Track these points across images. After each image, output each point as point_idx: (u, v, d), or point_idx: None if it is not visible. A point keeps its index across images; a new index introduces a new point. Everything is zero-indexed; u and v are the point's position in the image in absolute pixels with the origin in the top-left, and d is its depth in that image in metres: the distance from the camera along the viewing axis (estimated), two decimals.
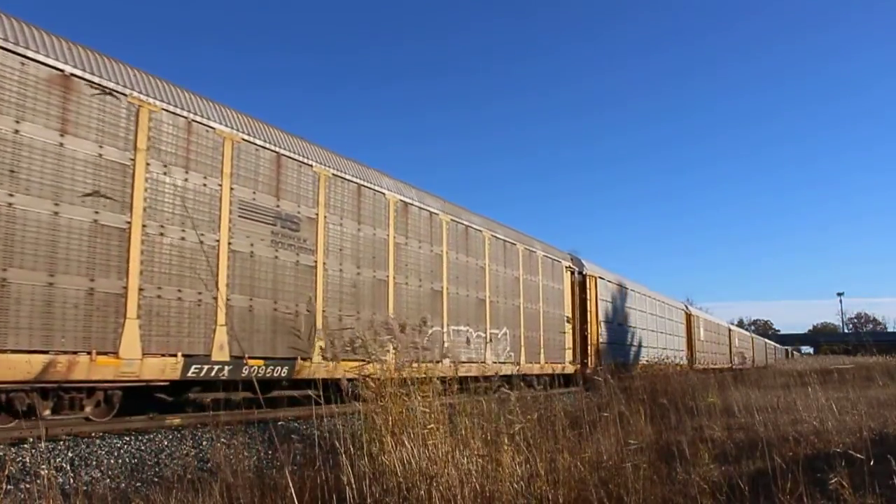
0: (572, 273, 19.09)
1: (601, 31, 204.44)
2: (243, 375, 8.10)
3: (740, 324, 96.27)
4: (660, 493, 4.24)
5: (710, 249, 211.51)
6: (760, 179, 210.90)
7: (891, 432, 6.70)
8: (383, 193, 11.20)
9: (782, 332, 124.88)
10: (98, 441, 6.22)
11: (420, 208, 12.17)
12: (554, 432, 4.82)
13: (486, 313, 14.05)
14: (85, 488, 4.78)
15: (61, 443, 6.01)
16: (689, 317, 33.29)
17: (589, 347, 19.07)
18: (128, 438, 6.45)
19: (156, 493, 4.33)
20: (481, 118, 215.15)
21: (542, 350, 16.46)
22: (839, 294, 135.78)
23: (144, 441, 6.46)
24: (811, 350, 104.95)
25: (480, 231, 14.24)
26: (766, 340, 72.86)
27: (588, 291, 19.60)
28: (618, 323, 22.02)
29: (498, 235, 15.06)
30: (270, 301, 8.73)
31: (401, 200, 11.62)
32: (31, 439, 5.99)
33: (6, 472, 4.77)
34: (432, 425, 4.04)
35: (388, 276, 10.99)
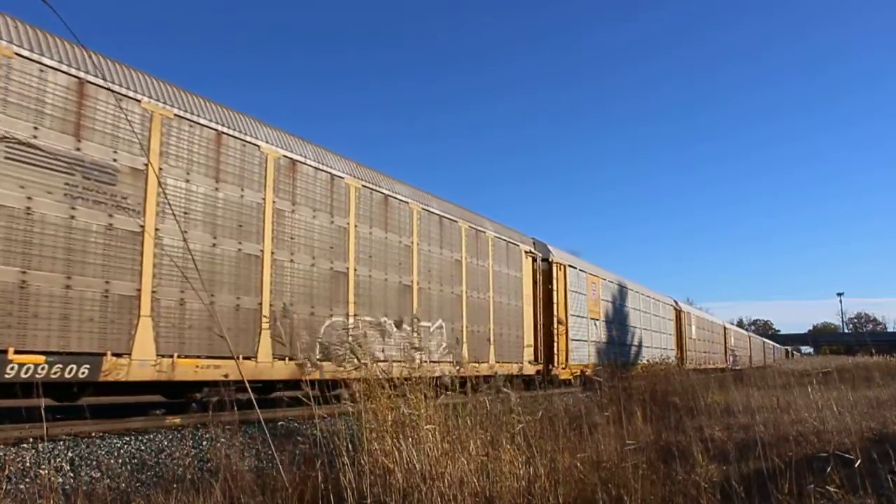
0: (534, 259, 16.72)
1: (601, 32, 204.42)
2: (7, 377, 6.07)
3: (740, 324, 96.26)
4: (660, 493, 4.24)
5: (711, 250, 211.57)
6: (761, 180, 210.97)
7: (890, 432, 6.69)
8: (257, 146, 9.05)
9: (782, 332, 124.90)
10: (98, 441, 6.22)
11: (316, 169, 9.92)
12: (554, 432, 4.82)
13: (413, 302, 11.72)
14: (85, 488, 4.78)
15: (61, 443, 6.00)
16: (678, 313, 31.68)
17: (555, 345, 16.87)
18: (128, 438, 6.45)
19: (156, 493, 4.33)
20: (482, 119, 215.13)
21: (491, 347, 14.11)
22: (839, 294, 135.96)
23: (144, 441, 6.46)
24: (811, 350, 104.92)
25: (406, 203, 11.87)
26: (765, 340, 71.95)
27: (555, 282, 17.23)
28: (593, 318, 20.11)
29: (432, 209, 12.59)
30: (61, 276, 6.60)
31: (285, 157, 9.44)
32: (31, 439, 5.99)
33: (6, 472, 4.76)
34: (429, 426, 4.04)
35: (262, 251, 8.87)
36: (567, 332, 17.68)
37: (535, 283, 16.59)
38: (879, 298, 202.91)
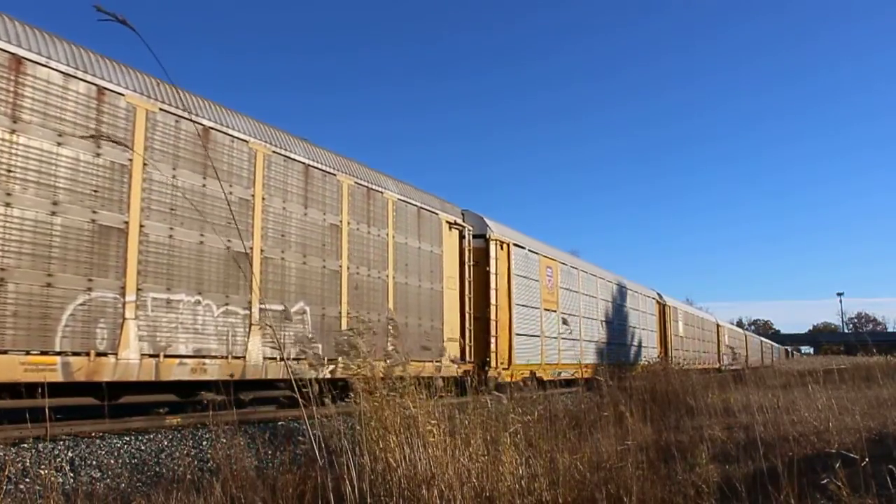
0: (463, 234, 13.53)
1: (602, 33, 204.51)
2: None
3: (739, 324, 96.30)
4: (660, 493, 4.24)
5: (711, 250, 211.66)
6: (761, 180, 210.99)
7: (890, 432, 6.69)
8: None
9: (782, 332, 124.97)
10: (98, 441, 6.22)
11: (80, 80, 6.95)
12: (554, 432, 4.83)
13: (255, 276, 8.70)
14: (85, 488, 4.78)
15: (61, 443, 6.01)
16: (662, 307, 28.62)
17: (494, 342, 13.74)
18: (128, 438, 6.45)
19: (156, 493, 4.33)
20: (482, 119, 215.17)
21: (388, 341, 10.21)
22: (839, 294, 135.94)
23: (144, 441, 6.46)
24: (811, 350, 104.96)
25: (246, 142, 8.76)
26: (763, 339, 69.73)
27: (494, 263, 14.09)
28: (548, 310, 16.93)
29: (293, 156, 9.48)
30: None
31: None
32: (31, 439, 6.00)
33: (6, 472, 4.77)
34: (433, 423, 4.04)
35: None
36: (511, 326, 14.57)
37: (463, 263, 13.32)
38: (879, 298, 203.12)
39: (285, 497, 3.92)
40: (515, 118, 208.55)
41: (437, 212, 12.88)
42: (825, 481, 3.54)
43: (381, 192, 11.34)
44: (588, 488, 4.07)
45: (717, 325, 41.26)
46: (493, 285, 14.02)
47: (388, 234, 11.43)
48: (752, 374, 16.98)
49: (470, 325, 13.37)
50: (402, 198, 11.93)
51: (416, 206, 12.28)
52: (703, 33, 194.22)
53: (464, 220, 13.84)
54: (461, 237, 13.67)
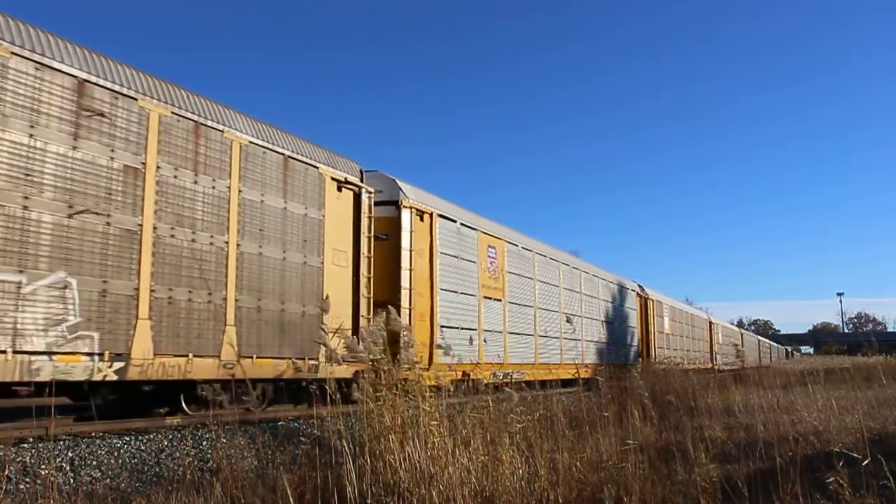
0: (358, 197, 10.69)
1: (602, 33, 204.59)
2: None
3: (740, 324, 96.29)
4: (660, 493, 4.24)
5: (711, 250, 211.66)
6: (761, 181, 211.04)
7: (890, 432, 6.70)
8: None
9: (782, 332, 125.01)
10: (98, 441, 6.22)
11: None
12: (553, 432, 4.83)
13: None
14: (85, 488, 4.79)
15: (61, 443, 6.01)
16: (644, 301, 26.06)
17: (406, 334, 10.98)
18: (128, 438, 6.45)
19: (156, 493, 4.33)
20: (483, 119, 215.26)
21: (229, 330, 8.32)
22: (839, 294, 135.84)
23: (144, 441, 6.46)
24: (811, 350, 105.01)
25: None
26: (761, 338, 68.26)
27: (408, 236, 11.54)
28: (489, 297, 14.10)
29: (56, 66, 6.79)
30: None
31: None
32: (31, 439, 6.00)
33: (6, 471, 4.77)
34: (434, 423, 4.05)
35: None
36: (434, 316, 11.89)
37: (358, 232, 10.59)
38: (879, 298, 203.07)
39: (285, 497, 3.92)
40: (516, 118, 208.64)
41: (316, 165, 9.94)
42: (830, 480, 3.54)
43: (221, 131, 8.49)
44: (588, 488, 4.08)
45: (710, 323, 38.61)
46: (405, 264, 11.25)
47: (229, 188, 8.49)
48: (749, 375, 16.95)
49: (368, 312, 10.46)
50: (258, 142, 9.01)
51: (281, 154, 9.35)
52: (704, 33, 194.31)
53: (363, 180, 10.93)
54: (357, 201, 10.66)
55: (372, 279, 10.80)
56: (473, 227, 13.94)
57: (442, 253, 12.55)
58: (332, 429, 4.16)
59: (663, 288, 40.71)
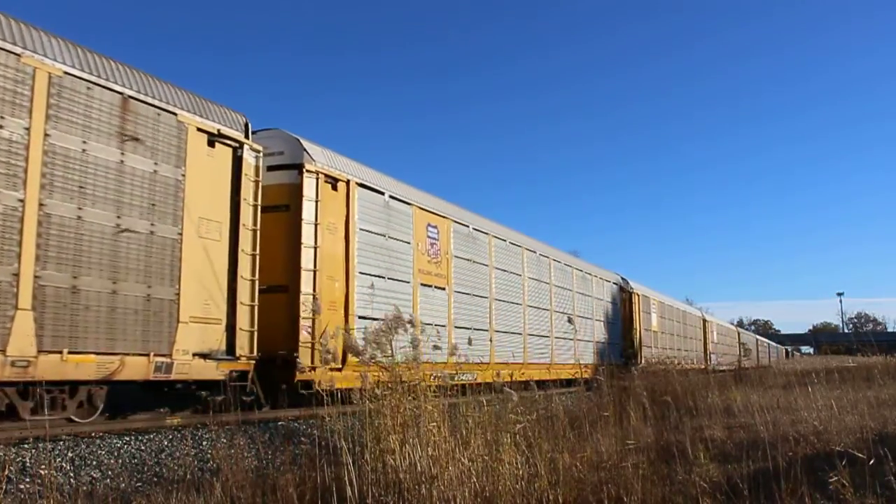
0: (239, 156, 8.61)
1: (602, 34, 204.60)
2: None
3: (740, 323, 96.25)
4: (660, 493, 4.24)
5: (711, 250, 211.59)
6: (761, 181, 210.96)
7: (891, 432, 6.70)
8: None
9: (782, 332, 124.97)
10: (98, 441, 6.22)
11: None
12: (553, 432, 4.83)
13: None
14: (85, 488, 4.79)
15: (61, 443, 6.01)
16: (629, 295, 24.20)
17: (308, 325, 9.30)
18: (128, 438, 6.45)
19: (156, 493, 4.33)
20: (484, 120, 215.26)
21: (15, 316, 6.30)
22: (839, 294, 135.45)
23: (144, 441, 6.46)
24: (811, 350, 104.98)
25: None
26: (759, 337, 66.71)
27: (314, 208, 9.59)
28: (429, 285, 12.10)
29: None
30: None
31: None
32: (31, 439, 6.00)
33: (6, 471, 4.77)
34: (434, 424, 4.05)
35: None
36: (349, 305, 10.03)
37: (238, 197, 8.50)
38: (879, 298, 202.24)
39: (285, 497, 3.92)
40: (515, 119, 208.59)
41: (174, 111, 7.88)
42: (834, 479, 3.54)
43: (17, 55, 6.51)
44: (588, 488, 4.08)
45: (704, 321, 36.46)
46: (307, 241, 9.42)
47: (29, 129, 6.58)
48: (749, 376, 16.90)
49: (251, 298, 8.53)
50: (80, 73, 7.06)
51: (118, 92, 7.36)
52: (704, 33, 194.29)
53: (249, 136, 8.88)
54: (238, 160, 8.60)
55: (257, 258, 8.64)
56: (407, 200, 11.71)
57: (362, 230, 10.49)
58: (331, 429, 4.15)
59: (663, 288, 39.79)
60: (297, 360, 8.98)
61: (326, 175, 9.91)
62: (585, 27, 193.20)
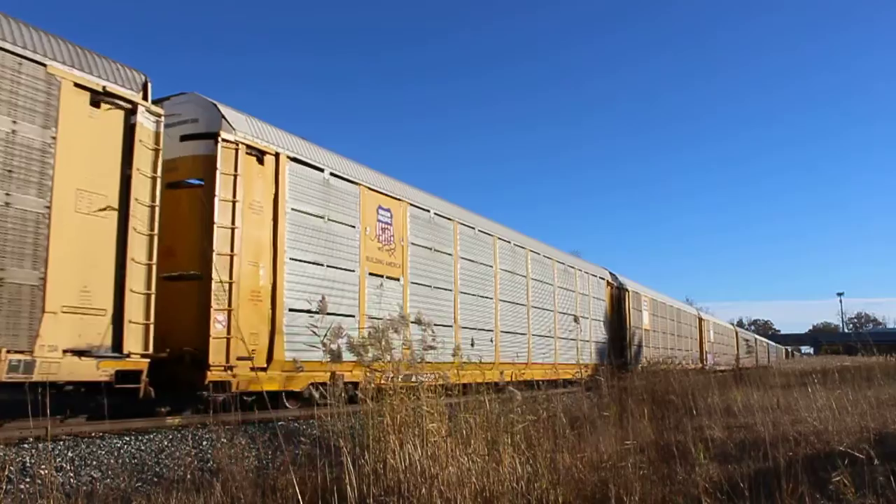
0: (130, 116, 7.36)
1: (603, 34, 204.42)
2: None
3: (740, 323, 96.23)
4: (660, 493, 4.24)
5: (711, 250, 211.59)
6: (761, 181, 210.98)
7: (891, 432, 6.70)
8: None
9: (782, 332, 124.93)
10: (98, 441, 6.22)
11: None
12: (554, 432, 4.82)
13: None
14: (85, 488, 4.79)
15: (61, 443, 6.01)
16: (619, 292, 22.82)
17: (224, 317, 8.08)
18: (128, 438, 6.45)
19: (156, 493, 4.33)
20: (484, 120, 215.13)
21: None
22: (839, 294, 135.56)
23: (144, 441, 6.46)
24: (811, 350, 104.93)
25: None
26: (758, 337, 65.45)
27: (233, 183, 8.38)
28: (380, 275, 10.75)
29: None
30: None
31: None
32: (31, 439, 6.00)
33: (6, 471, 4.77)
34: (434, 424, 4.04)
35: None
36: (277, 296, 8.74)
37: (131, 168, 7.24)
38: (879, 298, 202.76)
39: (285, 497, 3.92)
40: (515, 119, 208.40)
41: (42, 61, 6.64)
42: (836, 479, 3.53)
43: None
44: (588, 488, 4.07)
45: (700, 319, 35.05)
46: (221, 220, 8.16)
47: None
48: (748, 376, 16.86)
49: (146, 286, 7.31)
50: None
51: None
52: (704, 34, 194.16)
53: (148, 98, 7.63)
54: (129, 124, 7.37)
55: (155, 238, 7.43)
56: (353, 179, 10.46)
57: (295, 210, 9.23)
58: (332, 429, 4.15)
59: (664, 288, 39.33)
60: (208, 357, 7.77)
61: (250, 147, 8.63)
62: (586, 28, 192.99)
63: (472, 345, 12.55)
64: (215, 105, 8.59)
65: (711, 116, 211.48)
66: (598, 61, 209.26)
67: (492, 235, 14.73)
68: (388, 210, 11.29)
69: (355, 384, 8.70)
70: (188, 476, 4.54)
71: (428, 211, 12.49)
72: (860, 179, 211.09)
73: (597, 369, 17.62)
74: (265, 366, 8.37)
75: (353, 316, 9.97)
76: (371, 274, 10.59)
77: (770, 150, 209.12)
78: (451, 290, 12.86)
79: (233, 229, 8.32)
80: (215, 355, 7.86)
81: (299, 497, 3.89)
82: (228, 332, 7.99)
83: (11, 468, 5.06)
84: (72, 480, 5.33)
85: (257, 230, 8.72)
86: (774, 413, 8.28)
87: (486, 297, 14.17)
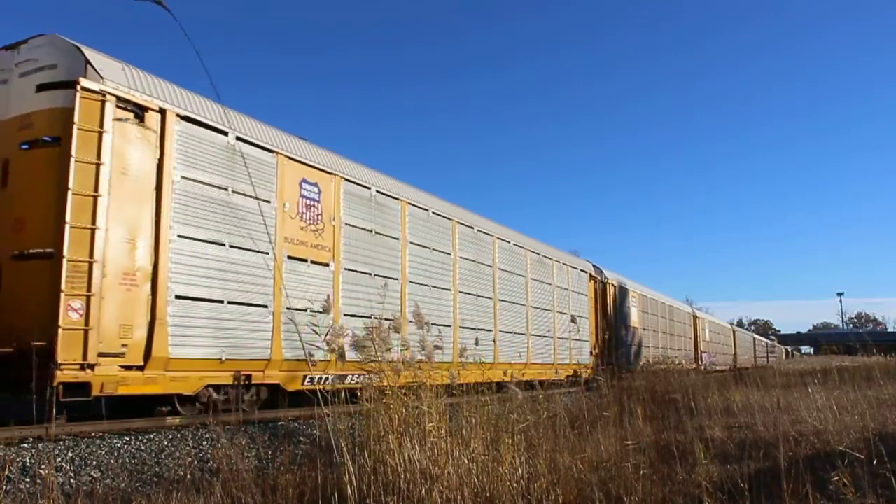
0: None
1: (603, 35, 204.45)
2: None
3: (739, 323, 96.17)
4: (660, 493, 4.24)
5: (711, 250, 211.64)
6: (761, 181, 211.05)
7: (891, 432, 6.70)
8: None
9: (782, 332, 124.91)
10: (98, 441, 6.22)
11: None
12: (554, 432, 4.82)
13: None
14: (85, 488, 4.78)
15: (61, 443, 6.00)
16: (602, 286, 21.05)
17: (82, 304, 6.57)
18: (128, 438, 6.45)
19: (156, 493, 4.33)
20: (484, 120, 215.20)
21: None
22: (839, 294, 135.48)
23: (144, 441, 6.46)
24: (811, 350, 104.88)
25: None
26: (757, 336, 64.06)
27: (89, 141, 6.84)
28: (302, 259, 9.27)
29: None
30: None
31: None
32: (31, 439, 6.00)
33: (6, 471, 4.76)
34: (434, 424, 4.04)
35: None
36: (158, 278, 7.35)
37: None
38: (879, 298, 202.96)
39: (285, 497, 3.92)
40: (515, 119, 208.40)
41: None
42: (836, 479, 3.53)
43: None
44: (589, 488, 4.07)
45: (695, 317, 33.53)
46: (78, 186, 6.73)
47: None
48: (748, 376, 16.83)
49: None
50: None
51: None
52: (705, 36, 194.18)
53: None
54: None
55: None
56: (268, 146, 8.89)
57: (186, 179, 7.81)
58: (331, 429, 4.15)
59: (664, 288, 38.90)
60: (55, 353, 6.29)
61: (124, 99, 7.25)
62: (586, 27, 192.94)
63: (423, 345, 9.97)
64: (78, 48, 7.19)
65: (712, 115, 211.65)
66: (596, 62, 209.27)
67: (450, 219, 13.07)
68: (316, 184, 9.68)
69: (275, 386, 8.34)
70: (188, 476, 4.54)
71: (368, 188, 10.84)
72: (860, 179, 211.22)
73: (577, 372, 16.99)
74: (142, 364, 7.08)
75: (265, 306, 8.53)
76: (291, 257, 9.08)
77: (770, 151, 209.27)
78: (397, 280, 11.26)
79: (95, 197, 6.80)
80: (67, 350, 6.37)
81: (299, 497, 3.90)
82: (87, 322, 6.53)
83: (11, 468, 5.06)
84: (72, 480, 5.33)
85: (134, 201, 7.22)
86: (774, 413, 8.28)
87: (444, 289, 12.53)
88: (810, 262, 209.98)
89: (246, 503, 3.91)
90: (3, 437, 5.96)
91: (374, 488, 3.64)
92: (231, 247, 8.23)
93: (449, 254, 12.93)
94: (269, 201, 8.87)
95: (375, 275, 10.61)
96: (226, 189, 8.27)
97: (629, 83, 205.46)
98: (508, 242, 15.52)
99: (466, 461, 3.85)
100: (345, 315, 9.74)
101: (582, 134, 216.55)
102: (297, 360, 8.66)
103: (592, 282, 20.52)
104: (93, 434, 6.59)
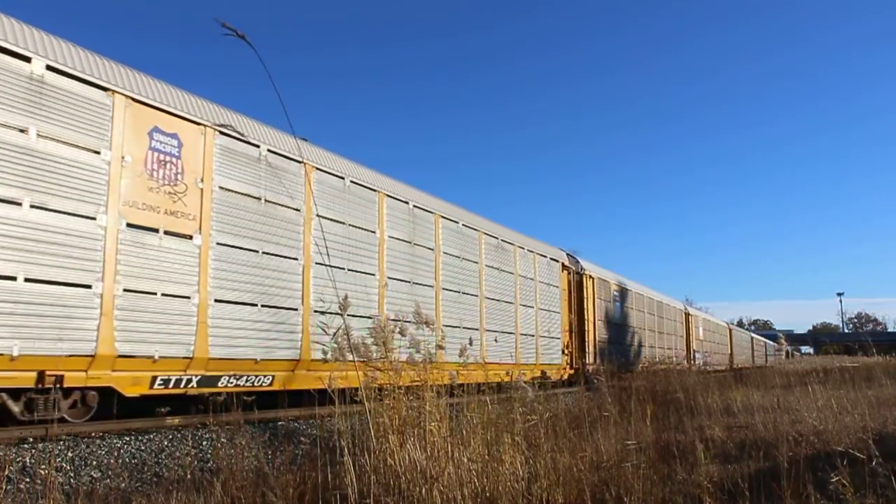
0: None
1: (603, 34, 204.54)
2: None
3: (740, 323, 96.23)
4: (660, 493, 4.24)
5: (711, 250, 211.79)
6: (761, 181, 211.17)
7: (891, 432, 6.70)
8: None
9: (782, 332, 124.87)
10: (98, 441, 6.22)
11: None
12: (554, 432, 4.82)
13: None
14: (85, 488, 4.78)
15: (61, 443, 6.01)
16: (578, 277, 18.87)
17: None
18: (128, 438, 6.45)
19: (156, 493, 4.33)
20: (485, 119, 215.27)
21: None
22: (839, 294, 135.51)
23: (144, 441, 6.46)
24: (811, 350, 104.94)
25: None
26: (755, 336, 62.45)
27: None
28: (148, 228, 7.18)
29: None
30: None
31: None
32: (31, 439, 6.00)
33: (6, 472, 4.77)
34: (434, 424, 4.04)
35: None
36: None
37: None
38: (879, 298, 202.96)
39: (285, 497, 3.92)
40: (515, 119, 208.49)
41: None
42: (835, 479, 3.53)
43: None
44: (589, 488, 4.07)
45: (687, 315, 31.53)
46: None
47: None
48: (748, 376, 16.82)
49: None
50: None
51: None
52: (703, 33, 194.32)
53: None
54: None
55: None
56: (98, 82, 6.86)
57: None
58: (332, 428, 4.15)
59: (664, 288, 38.38)
60: None
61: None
62: (585, 27, 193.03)
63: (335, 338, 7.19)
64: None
65: (712, 115, 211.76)
66: (596, 62, 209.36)
67: (376, 191, 10.85)
68: (174, 136, 7.63)
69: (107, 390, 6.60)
70: (188, 476, 4.54)
71: (257, 146, 8.69)
72: (860, 179, 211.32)
73: (545, 373, 15.43)
74: None
75: (88, 286, 6.55)
76: (132, 225, 7.05)
77: (770, 149, 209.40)
78: (297, 260, 9.07)
79: None
80: None
81: (299, 497, 3.90)
82: None
83: (11, 468, 5.06)
84: (72, 480, 5.33)
85: None
86: (774, 413, 8.28)
87: (367, 274, 10.33)
88: (810, 261, 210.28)
89: (246, 503, 3.92)
90: (3, 437, 5.96)
91: (374, 488, 3.64)
92: (34, 207, 6.21)
93: (374, 232, 10.67)
94: (98, 152, 6.82)
95: (264, 252, 8.58)
96: (27, 132, 6.24)
97: (629, 81, 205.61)
98: (457, 223, 13.16)
99: (467, 461, 3.86)
100: (217, 301, 7.83)
101: (580, 133, 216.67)
102: (145, 356, 7.02)
103: (566, 272, 18.29)
104: (93, 434, 6.59)
